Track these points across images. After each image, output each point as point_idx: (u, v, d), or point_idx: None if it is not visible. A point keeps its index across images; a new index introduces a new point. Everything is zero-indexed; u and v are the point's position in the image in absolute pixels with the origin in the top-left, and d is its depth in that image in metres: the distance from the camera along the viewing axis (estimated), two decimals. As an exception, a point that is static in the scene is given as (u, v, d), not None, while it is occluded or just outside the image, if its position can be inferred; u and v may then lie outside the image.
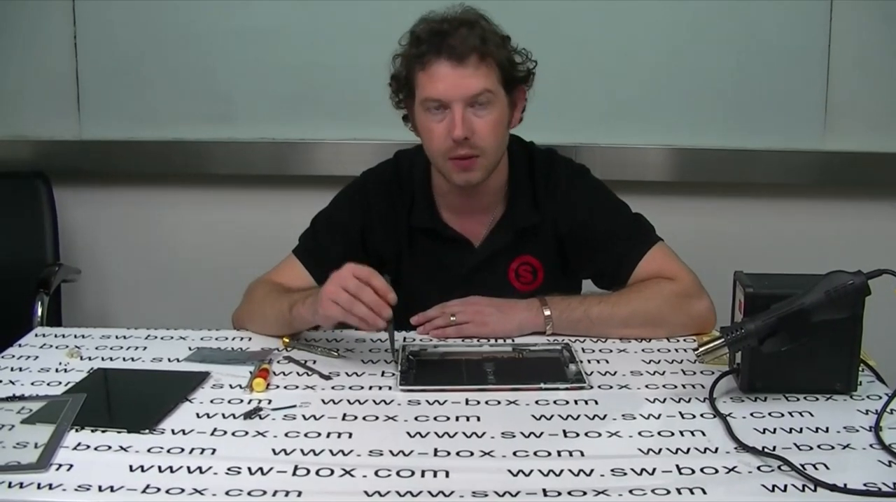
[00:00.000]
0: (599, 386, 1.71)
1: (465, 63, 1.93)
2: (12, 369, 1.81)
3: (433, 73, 1.94)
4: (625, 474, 1.37)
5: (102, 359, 1.87)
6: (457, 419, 1.56)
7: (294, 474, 1.37)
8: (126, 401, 1.72)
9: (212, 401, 1.64)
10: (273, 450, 1.45)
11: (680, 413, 1.59)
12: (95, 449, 1.45)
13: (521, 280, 2.14)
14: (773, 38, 2.85)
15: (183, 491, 1.33)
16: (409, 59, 1.99)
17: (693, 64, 2.88)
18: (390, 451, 1.44)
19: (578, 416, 1.57)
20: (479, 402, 1.63)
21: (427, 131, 2.01)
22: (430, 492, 1.31)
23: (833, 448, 1.45)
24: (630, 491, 1.32)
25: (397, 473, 1.37)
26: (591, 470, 1.37)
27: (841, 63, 2.86)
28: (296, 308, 1.89)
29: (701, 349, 1.62)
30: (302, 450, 1.45)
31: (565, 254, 2.15)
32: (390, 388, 1.70)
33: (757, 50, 2.86)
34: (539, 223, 2.12)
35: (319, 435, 1.50)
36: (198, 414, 1.59)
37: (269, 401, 1.64)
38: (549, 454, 1.43)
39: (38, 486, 1.34)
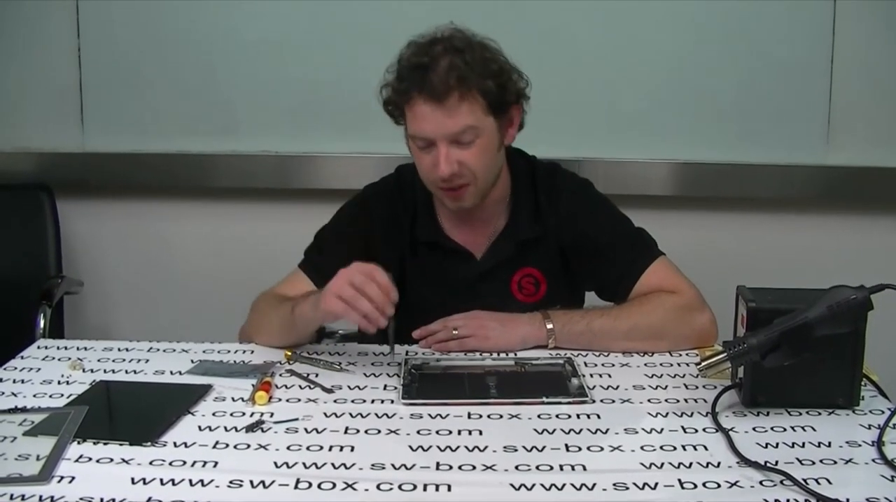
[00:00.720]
0: (602, 401, 1.70)
1: (444, 103, 1.91)
2: (14, 381, 1.81)
3: (415, 112, 1.95)
4: (627, 488, 1.37)
5: (104, 371, 1.87)
6: (459, 433, 1.56)
7: (296, 488, 1.37)
8: (128, 414, 1.72)
9: (214, 414, 1.64)
10: (275, 464, 1.45)
11: (682, 427, 1.59)
12: (97, 461, 1.45)
13: (524, 292, 2.14)
14: (775, 51, 2.85)
15: (185, 503, 1.33)
16: (394, 93, 1.99)
17: (695, 78, 2.88)
18: (392, 465, 1.44)
19: (581, 430, 1.57)
20: (481, 416, 1.63)
21: (418, 160, 2.03)
22: (431, 506, 1.32)
23: (835, 463, 1.45)
24: (632, 506, 1.32)
25: (399, 487, 1.37)
26: (594, 485, 1.37)
27: (844, 76, 2.87)
28: (298, 307, 1.91)
29: (703, 363, 1.62)
30: (304, 464, 1.45)
31: (568, 265, 2.15)
32: (392, 402, 1.70)
33: (759, 63, 2.86)
34: (541, 235, 2.13)
35: (321, 448, 1.50)
36: (200, 427, 1.59)
37: (272, 415, 1.64)
38: (552, 468, 1.43)
39: (40, 499, 1.34)
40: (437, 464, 1.45)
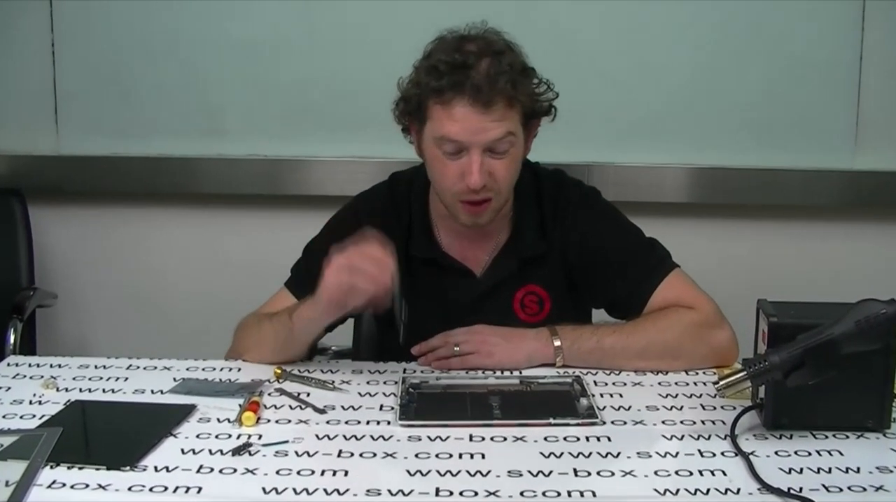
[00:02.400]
0: (613, 422, 1.71)
1: (491, 108, 1.90)
2: (-17, 401, 1.81)
3: (453, 113, 1.92)
4: (640, 516, 1.37)
5: (80, 390, 1.87)
6: (460, 456, 1.56)
7: (285, 514, 1.38)
8: (105, 436, 1.72)
9: (198, 436, 1.64)
10: (263, 489, 1.45)
11: (699, 451, 1.59)
12: (72, 487, 1.45)
13: (527, 311, 2.14)
14: (800, 49, 2.87)
15: (166, 532, 1.33)
16: (425, 89, 1.95)
17: (713, 77, 2.89)
18: (389, 491, 1.44)
19: (590, 454, 1.58)
20: (483, 438, 1.63)
21: (438, 168, 2.00)
22: (431, 535, 1.32)
23: (864, 490, 1.45)
24: (645, 535, 1.32)
25: (396, 514, 1.38)
26: (604, 512, 1.38)
27: (873, 76, 2.88)
28: (296, 313, 1.92)
29: (722, 383, 1.62)
30: (294, 489, 1.45)
31: (574, 282, 2.15)
32: (389, 423, 1.70)
33: (783, 62, 2.88)
34: (546, 251, 2.13)
35: (313, 472, 1.50)
36: (183, 450, 1.59)
37: (260, 437, 1.64)
38: (559, 494, 1.43)
39: (12, 526, 1.34)
40: (437, 490, 1.45)
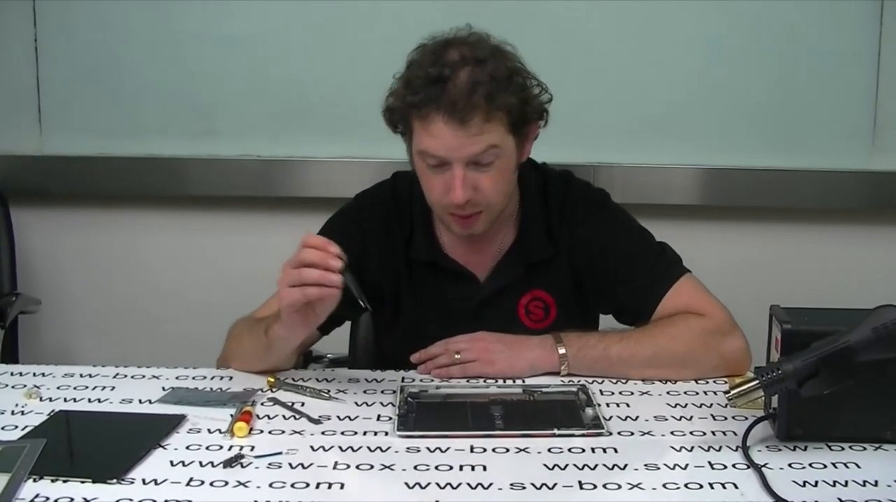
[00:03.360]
0: (619, 433, 1.71)
1: (467, 123, 1.89)
2: (-37, 411, 1.81)
3: (430, 129, 1.92)
4: (648, 531, 1.37)
5: (65, 400, 1.87)
6: (461, 468, 1.56)
7: (279, 529, 1.38)
8: (91, 448, 1.72)
9: (188, 448, 1.64)
10: (256, 503, 1.46)
11: (709, 463, 1.59)
12: (56, 501, 1.45)
13: (532, 317, 2.15)
14: (815, 45, 2.87)
15: (155, 547, 1.33)
16: (403, 102, 1.96)
17: (725, 74, 2.90)
18: (386, 504, 1.45)
19: (596, 466, 1.58)
20: (485, 450, 1.63)
21: (425, 181, 2.02)
22: (430, 550, 1.32)
23: (882, 503, 1.46)
24: (654, 550, 1.33)
25: (394, 529, 1.38)
26: (611, 527, 1.38)
27: (891, 73, 2.88)
28: (271, 329, 1.91)
29: (733, 392, 1.63)
30: (288, 503, 1.45)
31: (582, 288, 2.16)
32: (387, 434, 1.71)
33: (797, 59, 2.88)
34: (552, 255, 2.14)
35: (308, 485, 1.50)
36: (172, 463, 1.59)
37: (252, 448, 1.64)
38: (564, 508, 1.44)
39: (-6, 541, 1.34)
40: (437, 504, 1.45)
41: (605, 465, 1.58)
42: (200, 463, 1.59)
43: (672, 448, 1.65)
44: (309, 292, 1.77)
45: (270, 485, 1.50)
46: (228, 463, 1.58)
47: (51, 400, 1.87)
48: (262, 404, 1.84)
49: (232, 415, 1.75)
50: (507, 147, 1.97)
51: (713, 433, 1.71)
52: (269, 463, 1.58)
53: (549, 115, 2.05)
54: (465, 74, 1.90)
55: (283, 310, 1.83)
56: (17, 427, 1.73)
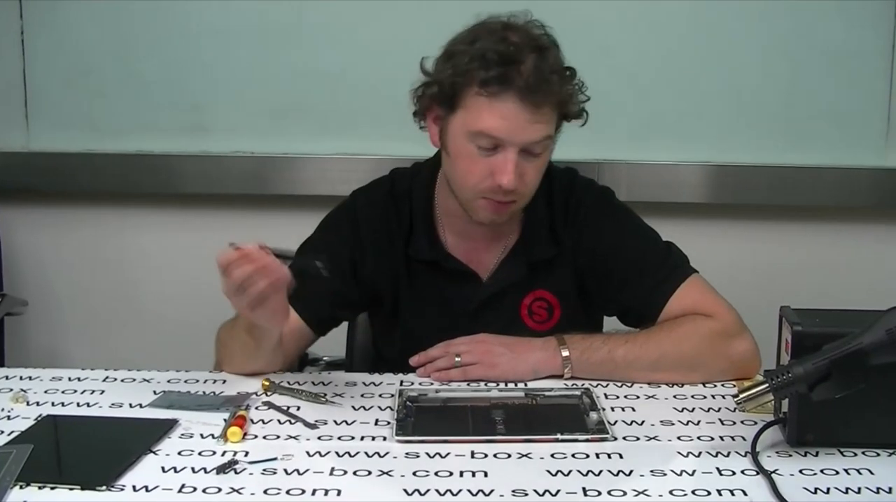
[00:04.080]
0: (625, 438, 1.71)
1: (540, 109, 1.91)
2: (-52, 415, 1.82)
3: (499, 108, 1.91)
4: (654, 539, 1.38)
5: (52, 404, 1.87)
6: (461, 474, 1.57)
7: (274, 537, 1.39)
8: (80, 453, 1.72)
9: (180, 453, 1.65)
10: (250, 510, 1.46)
11: (717, 469, 1.59)
12: (44, 508, 1.46)
13: (535, 318, 2.15)
14: (828, 39, 2.87)
15: (146, 555, 1.34)
16: (468, 77, 1.93)
17: (735, 68, 2.90)
18: (384, 511, 1.45)
19: (600, 472, 1.58)
20: (486, 455, 1.64)
21: (465, 162, 2.00)
22: (430, 559, 1.33)
23: (896, 511, 1.46)
24: (660, 559, 1.33)
25: (392, 536, 1.39)
26: (616, 535, 1.38)
27: (907, 66, 2.88)
28: (245, 328, 1.93)
29: (742, 396, 1.63)
30: (283, 510, 1.46)
31: (586, 288, 2.16)
32: (385, 439, 1.71)
33: (810, 53, 2.88)
34: (556, 255, 2.14)
35: (303, 492, 1.51)
36: (163, 468, 1.59)
37: (246, 453, 1.64)
38: (567, 515, 1.44)
39: (-21, 550, 1.35)
40: (436, 511, 1.46)
41: (609, 471, 1.59)
42: (193, 469, 1.59)
43: (679, 453, 1.66)
44: (253, 291, 1.76)
45: (265, 492, 1.51)
46: (222, 470, 1.58)
47: (38, 404, 1.87)
48: (256, 408, 1.85)
49: (225, 420, 1.76)
50: (553, 140, 2.00)
51: (721, 438, 1.71)
52: (264, 470, 1.59)
53: (588, 116, 2.06)
54: (533, 60, 1.92)
55: (240, 312, 1.84)
56: (2, 432, 1.73)
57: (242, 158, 2.98)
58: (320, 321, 2.10)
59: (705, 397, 1.91)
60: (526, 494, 1.50)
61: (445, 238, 2.16)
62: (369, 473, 1.58)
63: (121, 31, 2.95)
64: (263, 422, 1.78)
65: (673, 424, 1.78)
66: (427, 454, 1.64)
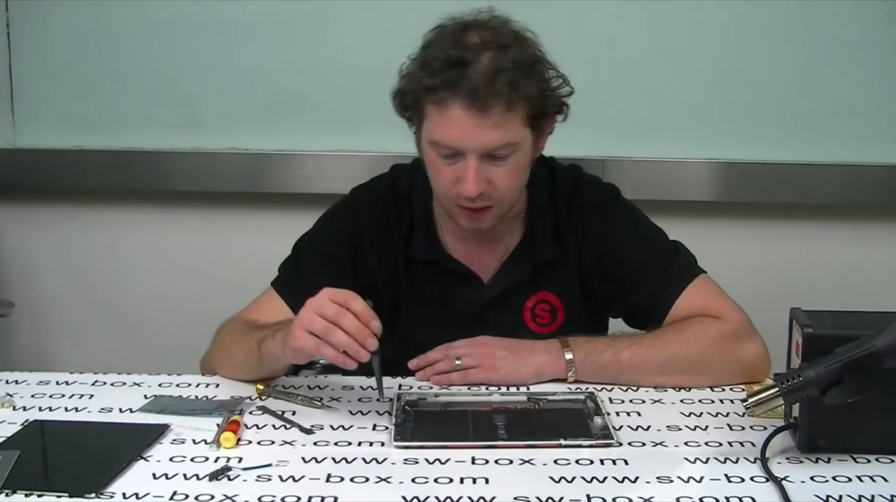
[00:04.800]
0: (630, 444, 1.72)
1: (487, 113, 1.89)
2: (-69, 421, 1.82)
3: (447, 116, 1.91)
4: (660, 548, 1.38)
5: (40, 408, 1.87)
6: (461, 481, 1.57)
7: (268, 546, 1.39)
8: (68, 460, 1.72)
9: (171, 460, 1.65)
10: (243, 518, 1.46)
11: (726, 475, 1.59)
12: (32, 515, 1.46)
13: (538, 320, 2.15)
14: (839, 32, 2.87)
15: (136, 565, 1.34)
16: (418, 86, 1.94)
17: (743, 62, 2.90)
18: (382, 519, 1.45)
19: (605, 479, 1.58)
20: (487, 461, 1.64)
21: (434, 170, 2.01)
22: (429, 568, 1.33)
23: (910, 519, 1.46)
24: (667, 568, 1.33)
25: (391, 545, 1.39)
26: (621, 543, 1.39)
27: (920, 61, 2.88)
28: (265, 344, 1.90)
29: (751, 400, 1.63)
30: (278, 518, 1.46)
31: (590, 289, 2.16)
32: (383, 444, 1.71)
33: (820, 46, 2.88)
34: (560, 255, 2.14)
35: (299, 499, 1.51)
36: (154, 475, 1.59)
37: (240, 460, 1.65)
38: (571, 523, 1.44)
39: (-36, 560, 1.35)
40: (436, 519, 1.46)
41: (614, 478, 1.59)
42: (185, 475, 1.59)
43: (686, 459, 1.66)
44: (325, 352, 1.75)
45: (259, 499, 1.51)
46: (215, 476, 1.58)
47: (25, 408, 1.87)
48: (250, 413, 1.85)
49: (218, 425, 1.76)
50: (525, 141, 1.97)
51: (730, 444, 1.72)
52: (258, 476, 1.59)
53: (569, 110, 2.04)
54: (487, 59, 1.89)
55: (290, 349, 1.80)
56: (-12, 437, 1.74)
57: (237, 155, 2.98)
58: None
59: (713, 401, 1.91)
60: (528, 501, 1.50)
61: (445, 238, 2.16)
62: (367, 480, 1.58)
63: (111, 23, 2.95)
64: (258, 428, 1.78)
65: (680, 429, 1.78)
66: (426, 460, 1.65)
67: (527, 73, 1.92)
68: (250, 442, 1.72)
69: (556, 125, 2.07)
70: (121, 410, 1.86)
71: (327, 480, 1.58)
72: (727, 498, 1.51)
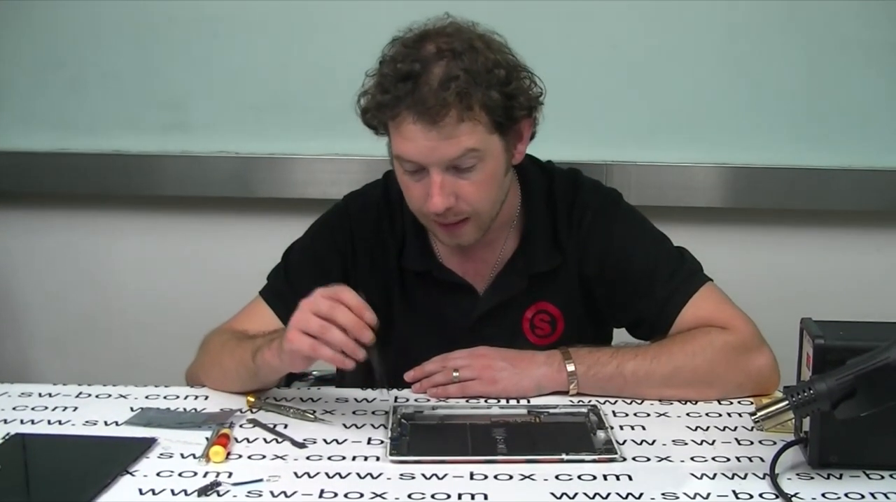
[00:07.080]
0: (634, 459, 1.72)
1: (439, 124, 1.88)
2: None
3: (402, 131, 1.92)
4: (666, 567, 1.38)
5: (21, 421, 1.87)
6: (459, 497, 1.57)
7: (259, 564, 1.39)
8: (50, 475, 1.71)
9: (158, 475, 1.65)
10: (233, 535, 1.46)
11: (734, 492, 1.60)
12: (14, 532, 1.46)
13: (538, 332, 2.15)
14: (848, 32, 2.87)
15: (122, 584, 1.34)
16: (373, 103, 1.96)
17: (751, 64, 2.90)
18: (378, 537, 1.45)
19: (608, 495, 1.58)
20: (486, 477, 1.64)
21: (404, 187, 2.02)
22: (426, 588, 1.33)
23: (925, 537, 1.47)
24: (673, 588, 1.33)
25: (386, 564, 1.39)
26: (625, 562, 1.39)
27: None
28: (261, 354, 1.90)
29: (760, 414, 1.63)
30: (269, 535, 1.46)
31: (592, 299, 2.16)
32: (378, 459, 1.71)
33: (830, 49, 2.88)
34: (559, 264, 2.14)
35: (290, 516, 1.51)
36: (141, 491, 1.59)
37: (230, 474, 1.65)
38: (574, 541, 1.44)
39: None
40: (433, 536, 1.46)
41: (618, 494, 1.59)
42: (173, 491, 1.59)
43: (692, 475, 1.66)
44: (322, 353, 1.76)
45: (250, 516, 1.51)
46: (203, 492, 1.58)
47: (5, 422, 1.87)
48: (240, 426, 1.85)
49: (207, 439, 1.76)
50: (492, 148, 1.96)
51: (738, 459, 1.72)
52: (249, 492, 1.59)
53: (541, 110, 2.04)
54: (440, 69, 1.89)
55: (286, 353, 1.81)
56: (-32, 451, 1.74)
57: (226, 159, 2.98)
58: None
59: (721, 415, 1.91)
60: (529, 519, 1.50)
61: (438, 248, 2.16)
62: (361, 495, 1.58)
63: (96, 22, 2.95)
64: (248, 441, 1.78)
65: (686, 444, 1.78)
66: (423, 475, 1.65)
67: (482, 78, 1.91)
68: (240, 456, 1.72)
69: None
70: (106, 423, 1.86)
71: (320, 496, 1.58)
72: (735, 516, 1.51)
